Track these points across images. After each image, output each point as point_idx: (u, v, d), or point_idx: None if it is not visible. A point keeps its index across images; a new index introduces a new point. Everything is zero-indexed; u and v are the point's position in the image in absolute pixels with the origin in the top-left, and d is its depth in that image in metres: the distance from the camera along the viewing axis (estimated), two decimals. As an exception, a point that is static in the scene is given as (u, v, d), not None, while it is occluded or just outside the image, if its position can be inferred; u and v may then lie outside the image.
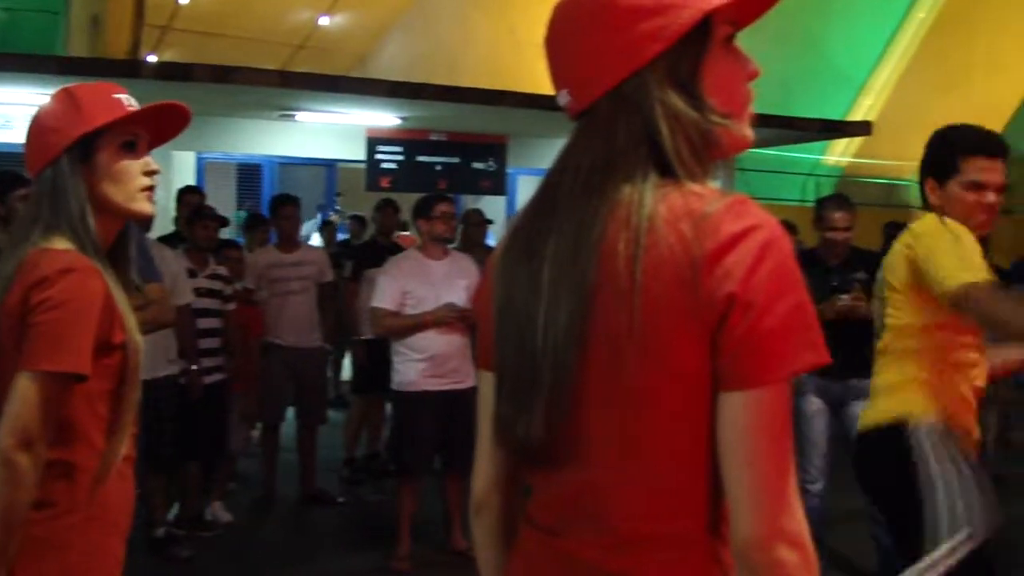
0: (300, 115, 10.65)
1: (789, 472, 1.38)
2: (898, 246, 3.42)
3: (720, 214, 1.37)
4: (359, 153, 11.49)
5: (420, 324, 5.82)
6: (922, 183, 3.45)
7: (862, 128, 14.65)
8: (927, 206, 3.45)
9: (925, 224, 3.36)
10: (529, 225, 1.53)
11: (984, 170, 3.32)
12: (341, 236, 12.14)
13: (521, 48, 18.31)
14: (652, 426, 1.41)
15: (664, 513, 1.44)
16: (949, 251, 3.18)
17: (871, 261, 5.86)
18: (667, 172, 1.44)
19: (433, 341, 5.83)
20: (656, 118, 1.44)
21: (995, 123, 28.73)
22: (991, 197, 3.33)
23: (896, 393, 3.41)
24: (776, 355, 1.35)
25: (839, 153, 26.84)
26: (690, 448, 1.41)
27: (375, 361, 7.45)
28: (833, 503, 5.88)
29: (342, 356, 10.60)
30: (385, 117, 10.86)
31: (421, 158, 11.84)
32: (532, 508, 1.61)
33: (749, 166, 20.27)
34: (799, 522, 1.38)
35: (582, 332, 1.42)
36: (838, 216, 5.68)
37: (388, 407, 7.32)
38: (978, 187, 3.32)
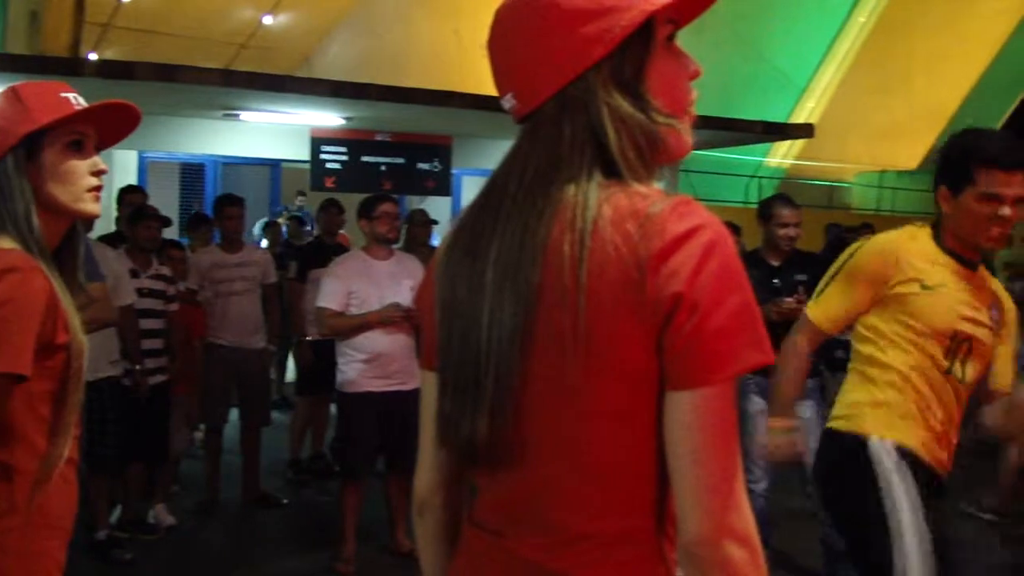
0: (244, 115, 10.58)
1: (736, 470, 1.39)
2: None
3: (665, 214, 1.38)
4: (303, 153, 11.44)
5: (364, 324, 5.80)
6: (935, 189, 3.24)
7: (804, 130, 14.76)
8: (939, 213, 3.30)
9: (876, 239, 3.38)
10: (473, 225, 1.52)
11: (1001, 182, 3.11)
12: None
13: (466, 49, 18.32)
14: (597, 426, 1.42)
15: (609, 512, 1.45)
16: (838, 281, 3.34)
17: (813, 263, 5.94)
18: (612, 173, 1.44)
19: (377, 341, 5.82)
20: (602, 120, 1.44)
21: (935, 125, 29.25)
22: (1007, 211, 3.12)
23: (861, 411, 3.33)
24: (722, 354, 1.36)
25: (781, 155, 27.12)
26: (635, 447, 1.42)
27: (320, 362, 7.42)
28: (777, 502, 5.94)
29: (286, 357, 10.55)
30: (329, 117, 10.81)
31: (366, 158, 11.80)
32: (476, 508, 1.61)
33: (693, 168, 20.46)
34: (747, 519, 1.39)
35: (526, 333, 1.42)
36: (787, 213, 5.73)
37: (333, 408, 7.29)
38: (993, 199, 3.12)
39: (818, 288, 3.43)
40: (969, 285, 3.25)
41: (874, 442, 3.24)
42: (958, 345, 3.21)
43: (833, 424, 3.43)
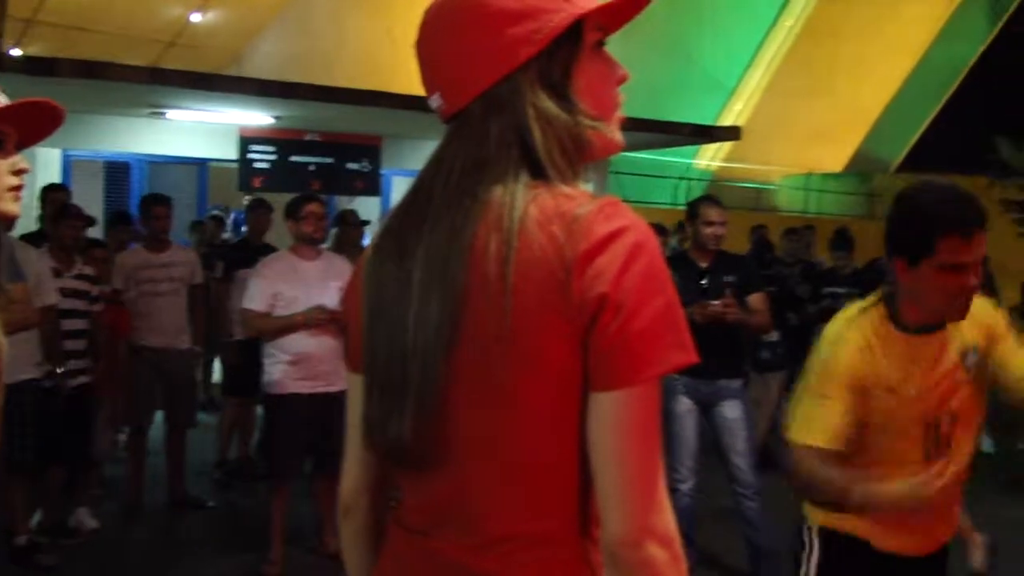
0: (171, 113, 10.47)
1: (658, 471, 1.40)
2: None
3: (591, 216, 1.38)
4: (231, 152, 11.35)
5: (290, 325, 5.75)
6: (889, 260, 2.86)
7: (732, 133, 14.93)
8: (894, 284, 2.91)
9: (833, 330, 2.99)
10: (400, 226, 1.52)
11: (962, 250, 2.69)
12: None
13: (397, 49, 18.28)
14: (521, 427, 1.42)
15: (533, 513, 1.45)
16: (809, 395, 2.94)
17: (741, 265, 6.00)
18: (538, 174, 1.44)
19: (303, 343, 5.77)
20: (528, 120, 1.44)
21: (860, 129, 29.72)
22: (973, 280, 2.72)
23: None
24: (646, 355, 1.36)
25: (709, 157, 27.39)
26: (560, 449, 1.42)
27: (246, 363, 7.35)
28: (703, 502, 5.99)
29: (212, 358, 10.44)
30: (258, 116, 10.74)
31: (295, 158, 11.74)
32: (402, 510, 1.60)
33: (622, 169, 20.59)
34: (668, 520, 1.39)
35: (452, 334, 1.41)
36: (713, 212, 5.77)
37: (260, 410, 7.23)
38: (957, 269, 2.71)
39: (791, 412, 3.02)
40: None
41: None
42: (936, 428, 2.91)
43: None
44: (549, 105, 1.45)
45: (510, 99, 1.45)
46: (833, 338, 2.95)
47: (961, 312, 2.79)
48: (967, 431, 2.96)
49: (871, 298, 2.99)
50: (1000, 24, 32.25)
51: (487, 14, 1.45)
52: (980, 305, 2.92)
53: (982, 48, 32.48)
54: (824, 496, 2.91)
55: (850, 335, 2.91)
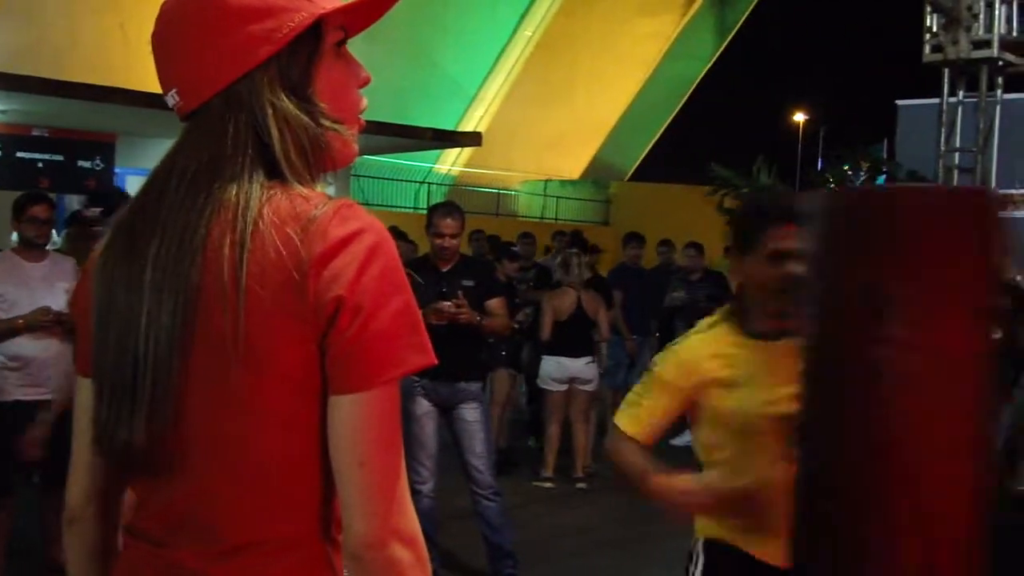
0: None
1: (400, 472, 1.41)
2: None
3: (327, 217, 1.38)
4: (-49, 146, 10.74)
5: (11, 329, 5.49)
6: (731, 261, 3.07)
7: (473, 139, 15.16)
8: (740, 297, 3.06)
9: (684, 340, 3.11)
10: (131, 225, 1.47)
11: (780, 238, 2.89)
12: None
13: (132, 44, 17.67)
14: (258, 431, 1.40)
15: (271, 519, 1.44)
16: (643, 386, 3.05)
17: (481, 269, 6.10)
18: (275, 175, 1.43)
19: (27, 348, 5.50)
20: (266, 120, 1.43)
21: (596, 136, 30.66)
22: (794, 267, 2.85)
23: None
24: (384, 358, 1.37)
25: (451, 162, 27.63)
26: (299, 453, 1.42)
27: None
28: (443, 502, 6.06)
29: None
30: (-19, 109, 10.21)
31: (21, 154, 11.22)
32: (136, 519, 1.55)
33: (363, 173, 20.54)
34: (412, 521, 1.41)
35: (185, 336, 1.38)
36: (444, 223, 5.82)
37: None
38: (778, 257, 2.89)
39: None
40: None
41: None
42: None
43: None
44: (287, 105, 1.44)
45: (248, 98, 1.43)
46: (682, 344, 3.08)
47: (786, 302, 2.87)
48: None
49: (718, 313, 3.10)
50: (725, 43, 33.91)
51: (227, 11, 1.43)
52: None
53: (708, 65, 34.07)
54: (630, 482, 2.99)
55: (698, 344, 3.04)
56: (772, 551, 2.86)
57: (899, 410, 2.38)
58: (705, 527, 3.07)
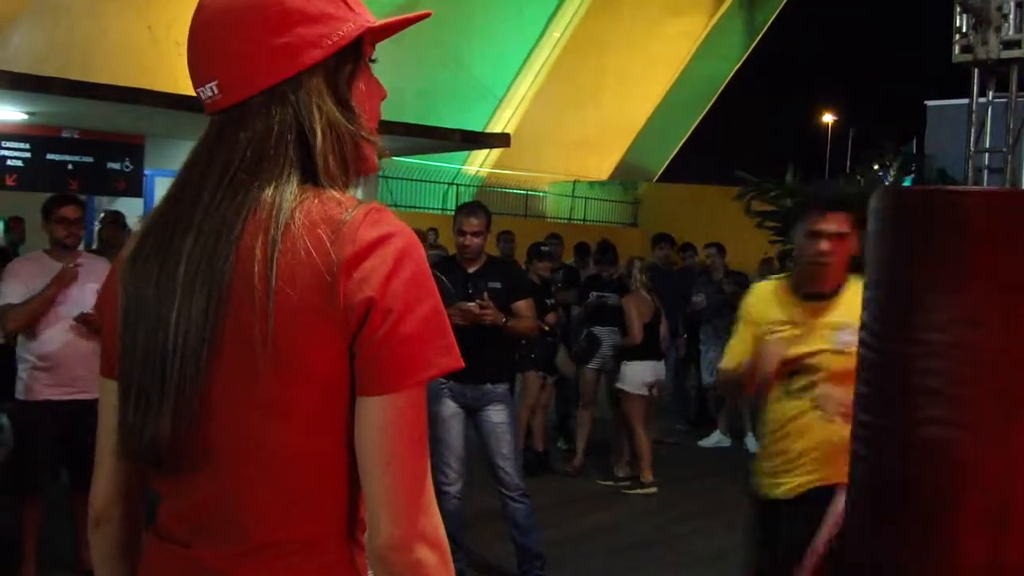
0: (-85, 106, 9.90)
1: (426, 475, 1.41)
2: None
3: (358, 221, 1.38)
4: (-19, 148, 10.81)
5: (45, 299, 5.46)
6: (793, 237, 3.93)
7: (501, 140, 15.14)
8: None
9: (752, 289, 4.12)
10: (164, 223, 1.46)
11: (818, 221, 3.71)
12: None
13: (160, 46, 17.76)
14: (284, 431, 1.40)
15: (296, 519, 1.44)
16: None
17: (507, 271, 6.07)
18: (310, 177, 1.44)
19: (56, 347, 5.54)
20: (313, 123, 1.44)
21: (625, 137, 30.64)
22: (824, 245, 3.69)
23: None
24: (413, 360, 1.37)
25: (479, 164, 27.67)
26: (325, 453, 1.42)
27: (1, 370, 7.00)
28: (471, 503, 6.04)
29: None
30: (10, 111, 10.27)
31: (51, 156, 11.27)
32: (161, 519, 1.54)
33: (392, 174, 20.61)
34: (436, 523, 1.41)
35: (215, 333, 1.38)
36: (467, 222, 5.80)
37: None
38: (814, 236, 3.71)
39: None
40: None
41: None
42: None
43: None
44: (334, 110, 1.45)
45: (296, 99, 1.44)
46: (751, 291, 4.04)
47: (819, 271, 3.73)
48: (836, 389, 3.65)
49: (784, 273, 4.08)
50: (754, 43, 33.84)
51: (280, 11, 1.44)
52: None
53: (737, 66, 34.00)
54: (741, 383, 3.91)
55: (761, 289, 3.97)
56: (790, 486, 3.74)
57: (961, 408, 2.37)
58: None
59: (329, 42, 1.45)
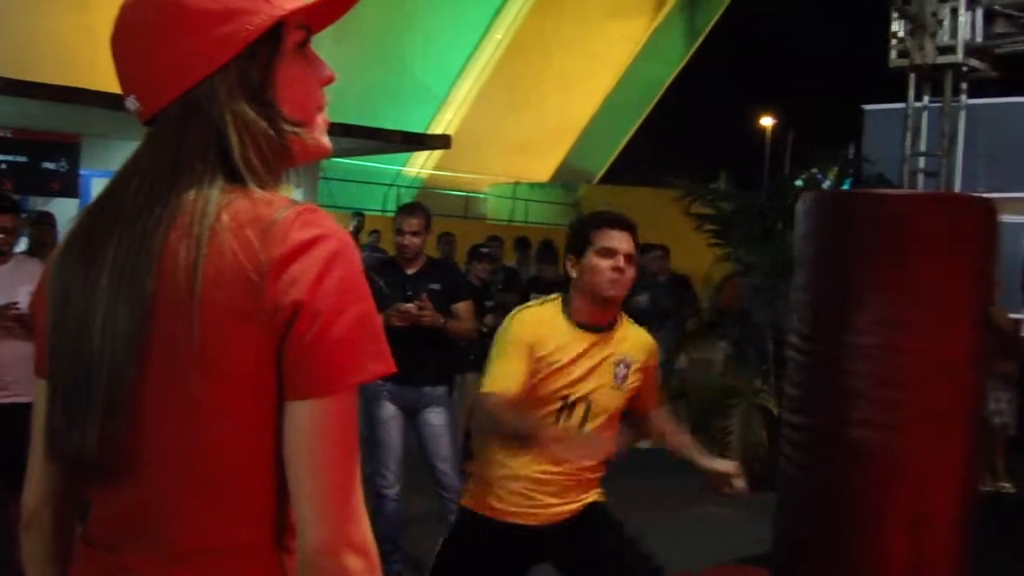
0: None
1: (355, 480, 1.40)
2: None
3: (288, 222, 1.36)
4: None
5: None
6: (566, 263, 3.64)
7: (442, 141, 15.14)
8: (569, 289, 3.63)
9: (514, 313, 3.68)
10: (90, 229, 1.45)
11: (613, 238, 3.51)
12: None
13: (98, 45, 17.56)
14: (212, 437, 1.39)
15: (225, 525, 1.42)
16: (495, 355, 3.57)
17: (446, 272, 6.08)
18: (236, 179, 1.41)
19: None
20: (226, 126, 1.41)
21: (566, 139, 30.74)
22: (620, 262, 3.49)
23: None
24: (342, 365, 1.36)
25: (420, 165, 27.64)
26: (253, 458, 1.40)
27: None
28: (409, 505, 6.03)
29: None
30: (-59, 110, 10.12)
31: (-17, 156, 11.11)
32: (90, 524, 1.52)
33: (332, 175, 20.49)
34: (364, 530, 1.40)
35: (141, 341, 1.36)
36: (407, 221, 5.79)
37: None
38: (608, 253, 3.49)
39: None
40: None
41: None
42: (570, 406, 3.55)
43: None
44: (247, 111, 1.42)
45: (207, 104, 1.41)
46: (513, 315, 3.63)
47: (615, 289, 3.49)
48: (604, 427, 3.57)
49: (552, 297, 3.69)
50: (695, 47, 34.07)
51: (185, 15, 1.41)
52: (647, 338, 3.74)
53: (678, 69, 34.22)
54: (495, 427, 3.51)
55: (527, 313, 3.62)
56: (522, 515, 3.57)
57: (884, 409, 2.40)
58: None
59: (238, 38, 1.41)
